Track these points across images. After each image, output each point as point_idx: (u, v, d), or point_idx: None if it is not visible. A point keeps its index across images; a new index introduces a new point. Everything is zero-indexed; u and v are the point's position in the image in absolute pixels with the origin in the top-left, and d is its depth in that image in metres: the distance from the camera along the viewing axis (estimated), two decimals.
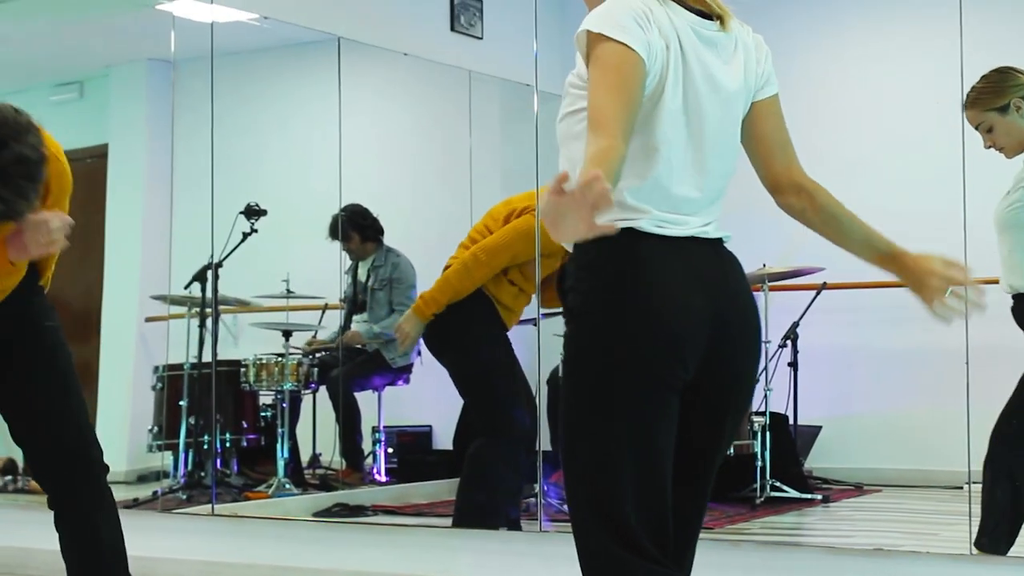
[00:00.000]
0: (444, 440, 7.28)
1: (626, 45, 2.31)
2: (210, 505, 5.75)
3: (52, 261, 3.45)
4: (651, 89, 2.37)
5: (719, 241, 2.48)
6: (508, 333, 4.97)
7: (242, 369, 6.51)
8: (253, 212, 6.40)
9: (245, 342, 6.98)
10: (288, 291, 6.75)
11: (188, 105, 6.27)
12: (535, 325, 5.43)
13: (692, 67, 2.42)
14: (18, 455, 6.56)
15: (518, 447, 4.80)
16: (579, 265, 2.38)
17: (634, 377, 2.32)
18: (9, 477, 6.43)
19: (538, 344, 5.29)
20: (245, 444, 6.63)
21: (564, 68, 4.99)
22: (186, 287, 6.38)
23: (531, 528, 4.87)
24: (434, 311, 4.83)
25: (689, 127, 2.42)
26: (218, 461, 6.48)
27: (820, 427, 6.83)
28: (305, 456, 6.90)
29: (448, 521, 5.56)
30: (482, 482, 4.76)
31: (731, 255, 2.50)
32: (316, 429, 6.97)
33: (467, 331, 4.86)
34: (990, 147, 4.09)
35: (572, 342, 2.38)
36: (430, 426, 7.38)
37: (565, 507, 5.51)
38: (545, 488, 5.14)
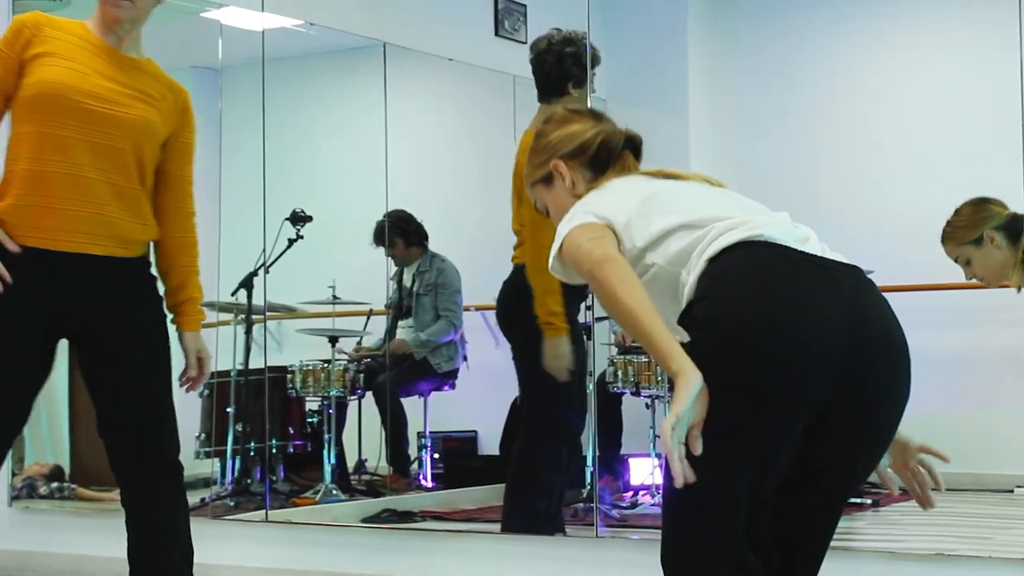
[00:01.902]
0: (489, 445, 7.26)
1: (581, 227, 2.39)
2: (263, 511, 5.74)
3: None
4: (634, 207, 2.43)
5: (856, 268, 2.39)
6: None
7: (288, 375, 6.52)
8: (299, 218, 6.41)
9: (290, 348, 6.98)
10: (334, 297, 6.74)
11: (233, 112, 6.27)
12: (587, 332, 5.40)
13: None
14: (65, 462, 6.58)
15: (563, 450, 4.72)
16: (707, 273, 2.31)
17: (763, 392, 2.21)
18: (55, 484, 6.43)
19: (593, 350, 5.27)
20: (292, 450, 6.63)
21: (608, 71, 4.95)
22: (233, 294, 6.39)
23: (586, 534, 4.83)
24: (562, 320, 4.50)
25: (685, 193, 2.50)
26: (260, 468, 6.49)
27: None
28: (350, 462, 6.89)
29: (498, 527, 5.55)
30: (531, 486, 4.69)
31: (871, 281, 2.40)
32: (361, 435, 6.96)
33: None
34: (971, 278, 4.06)
35: (696, 352, 2.24)
36: (475, 431, 7.37)
37: (614, 512, 5.52)
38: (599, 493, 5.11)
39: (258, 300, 6.30)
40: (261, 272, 6.24)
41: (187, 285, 3.54)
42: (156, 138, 3.38)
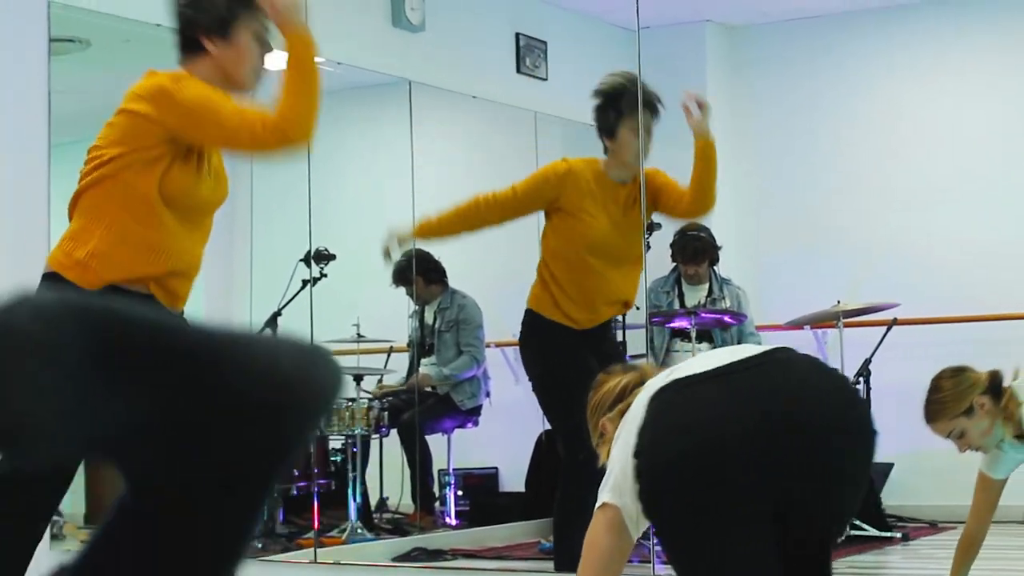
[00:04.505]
0: (510, 482, 7.24)
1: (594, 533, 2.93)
2: (312, 551, 5.70)
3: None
4: None
5: (779, 350, 2.69)
6: None
7: None
8: (322, 257, 6.38)
9: None
10: (359, 335, 6.71)
11: None
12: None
13: None
14: (79, 501, 6.52)
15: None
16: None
17: (707, 508, 2.54)
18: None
19: None
20: (316, 489, 6.59)
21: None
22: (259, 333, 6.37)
23: (643, 571, 4.78)
24: None
25: None
26: (282, 510, 6.46)
27: (892, 464, 6.77)
28: (372, 500, 6.85)
29: (529, 564, 5.54)
30: (579, 525, 4.62)
31: (797, 358, 2.69)
32: (383, 473, 6.93)
33: (545, 357, 4.84)
34: (965, 450, 3.97)
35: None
36: (496, 468, 7.35)
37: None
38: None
39: None
40: (287, 311, 6.24)
41: None
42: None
